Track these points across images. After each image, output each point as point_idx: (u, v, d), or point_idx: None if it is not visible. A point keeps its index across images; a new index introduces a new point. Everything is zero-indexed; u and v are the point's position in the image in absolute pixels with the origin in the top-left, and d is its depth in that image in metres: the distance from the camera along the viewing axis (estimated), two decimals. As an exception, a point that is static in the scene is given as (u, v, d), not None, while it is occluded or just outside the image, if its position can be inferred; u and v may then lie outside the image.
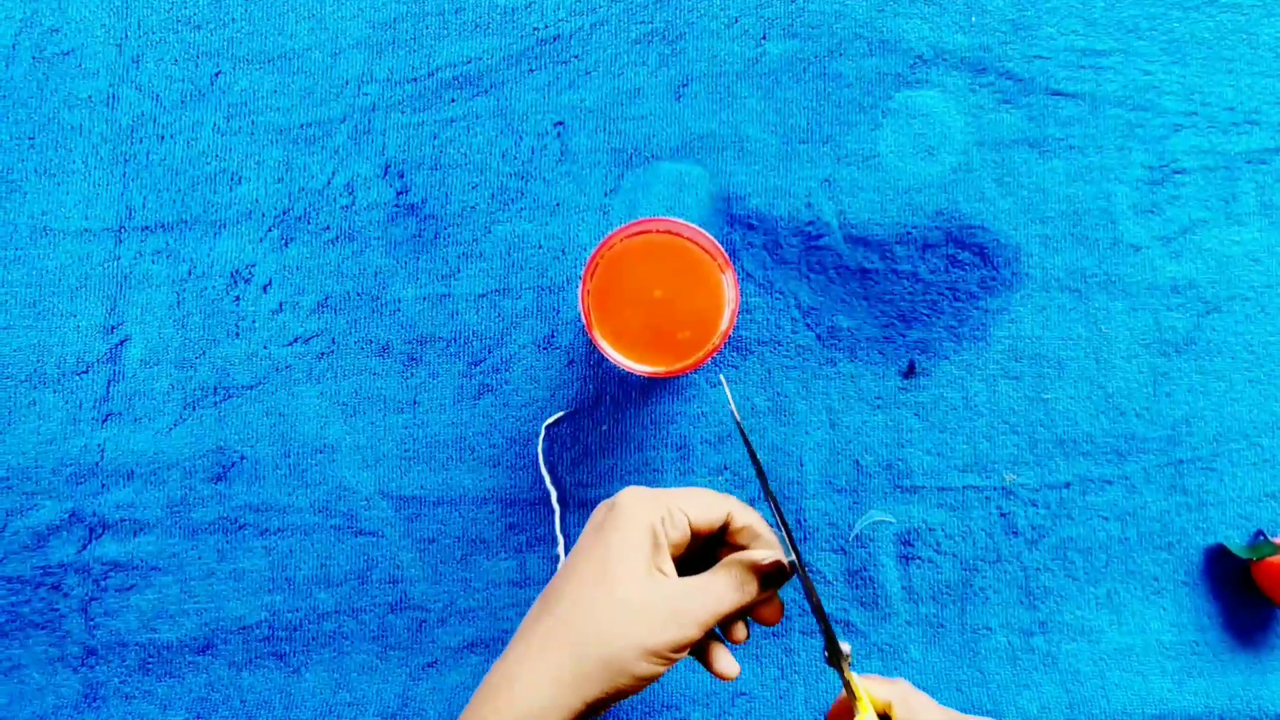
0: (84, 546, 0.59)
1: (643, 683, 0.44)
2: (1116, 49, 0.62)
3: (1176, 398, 0.62)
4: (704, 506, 0.47)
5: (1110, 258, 0.62)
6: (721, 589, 0.45)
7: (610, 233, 0.51)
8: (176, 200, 0.61)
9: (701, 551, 0.49)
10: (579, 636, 0.43)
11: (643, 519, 0.45)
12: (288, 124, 0.61)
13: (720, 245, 0.51)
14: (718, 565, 0.46)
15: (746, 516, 0.48)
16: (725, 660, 0.48)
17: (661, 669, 0.44)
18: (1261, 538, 0.61)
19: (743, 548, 0.48)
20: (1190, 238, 0.62)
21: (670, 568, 0.45)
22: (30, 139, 0.61)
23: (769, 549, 0.47)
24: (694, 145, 0.62)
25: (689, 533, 0.47)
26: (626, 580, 0.44)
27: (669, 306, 0.53)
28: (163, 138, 0.61)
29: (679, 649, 0.44)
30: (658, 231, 0.52)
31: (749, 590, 0.46)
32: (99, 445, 0.60)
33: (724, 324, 0.52)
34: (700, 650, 0.48)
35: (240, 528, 0.60)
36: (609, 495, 0.61)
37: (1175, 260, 0.62)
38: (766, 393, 0.61)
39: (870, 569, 0.61)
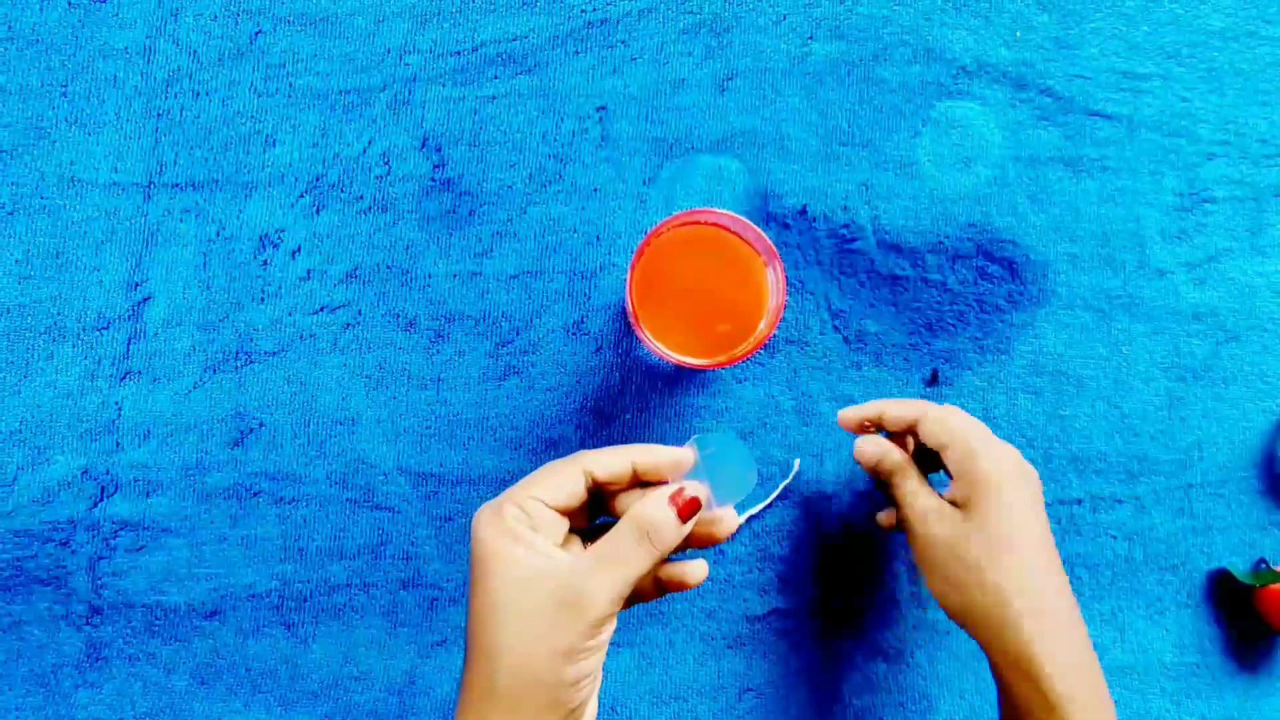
0: (95, 504, 0.59)
1: (584, 681, 0.41)
2: (1156, 74, 0.63)
3: (1190, 422, 0.63)
4: (555, 484, 0.43)
5: (1135, 280, 0.63)
6: (624, 551, 0.42)
7: (660, 221, 0.51)
8: (208, 159, 0.60)
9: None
10: (498, 668, 0.40)
11: (494, 533, 0.41)
12: (326, 89, 0.61)
13: (770, 242, 0.51)
14: (616, 529, 0.43)
15: (649, 456, 0.44)
16: (684, 571, 0.45)
17: (595, 658, 0.41)
18: (1264, 565, 0.62)
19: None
20: (1215, 266, 0.63)
21: (550, 548, 0.41)
22: (63, 87, 0.60)
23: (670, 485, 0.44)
24: (734, 140, 0.61)
25: (565, 515, 0.43)
26: (506, 593, 0.40)
27: (711, 299, 0.53)
28: (198, 94, 0.60)
29: (595, 631, 0.41)
30: (706, 223, 0.52)
31: (662, 538, 0.42)
32: (116, 403, 0.59)
33: (764, 322, 0.52)
34: (657, 586, 0.45)
35: (255, 495, 0.59)
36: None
37: (1199, 287, 0.63)
38: (792, 392, 0.61)
39: (880, 573, 0.61)
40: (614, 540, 0.42)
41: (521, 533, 0.41)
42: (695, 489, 0.44)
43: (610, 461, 0.44)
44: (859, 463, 0.55)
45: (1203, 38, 0.63)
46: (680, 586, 0.45)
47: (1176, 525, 0.62)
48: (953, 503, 0.51)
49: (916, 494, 0.52)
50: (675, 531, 0.43)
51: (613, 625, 0.42)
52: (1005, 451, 0.50)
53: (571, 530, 0.45)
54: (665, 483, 0.44)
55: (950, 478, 0.51)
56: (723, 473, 0.45)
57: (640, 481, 0.45)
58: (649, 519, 0.42)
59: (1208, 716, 0.62)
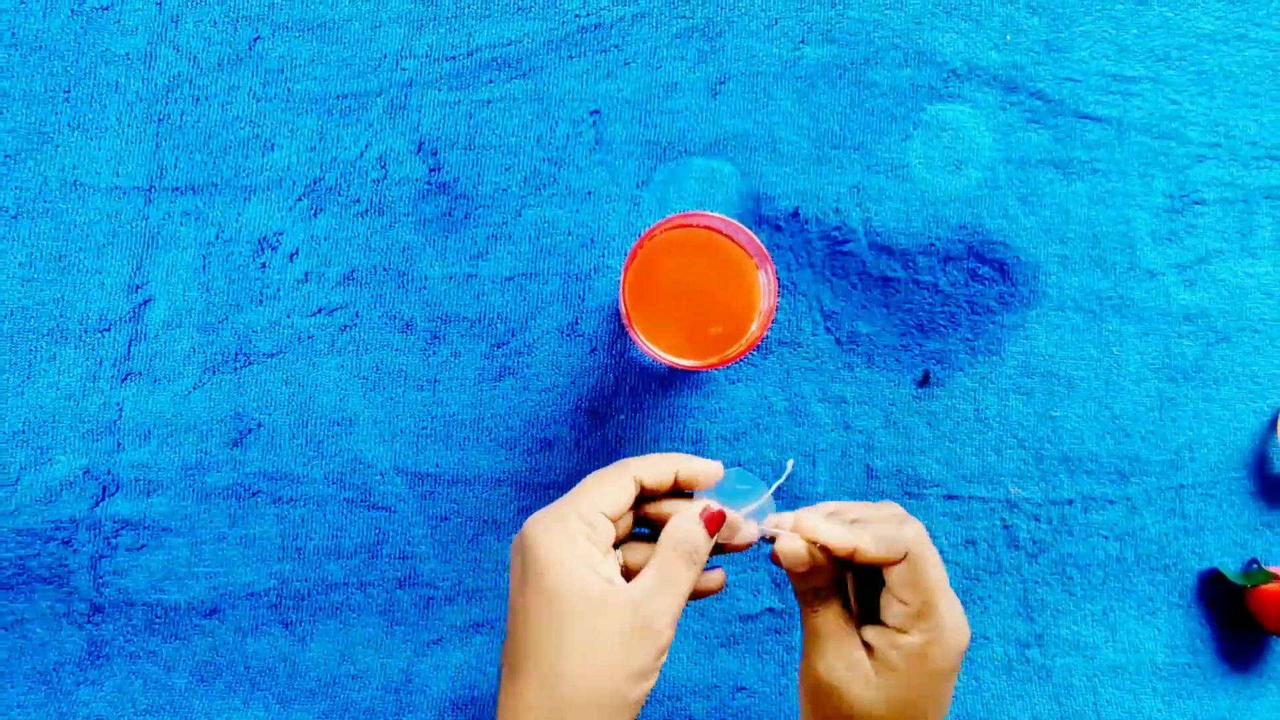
0: (96, 503, 0.59)
1: (645, 698, 0.42)
2: (1146, 76, 0.64)
3: (1181, 423, 0.63)
4: (611, 494, 0.44)
5: (1126, 282, 0.63)
6: (674, 573, 0.43)
7: (654, 224, 0.52)
8: (208, 163, 0.61)
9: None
10: (565, 693, 0.40)
11: (558, 545, 0.42)
12: (323, 93, 0.61)
13: (761, 244, 0.52)
14: (656, 551, 0.44)
15: (689, 466, 0.46)
16: (707, 578, 0.47)
17: (656, 675, 0.42)
18: (1256, 565, 0.62)
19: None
20: (1205, 267, 0.63)
21: (618, 575, 0.43)
22: (65, 92, 0.60)
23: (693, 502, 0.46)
24: (727, 143, 0.62)
25: (615, 524, 0.44)
26: (574, 613, 0.41)
27: (704, 301, 0.53)
28: (198, 99, 0.61)
29: (663, 653, 0.42)
30: (698, 226, 0.53)
31: (699, 557, 0.44)
32: (117, 404, 0.60)
33: (756, 322, 0.53)
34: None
35: (253, 494, 0.60)
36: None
37: (1189, 289, 0.63)
38: (784, 393, 0.62)
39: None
40: (664, 564, 0.44)
41: (586, 548, 0.42)
42: (718, 505, 0.46)
43: (657, 470, 0.46)
44: (779, 561, 0.47)
45: (1192, 40, 0.64)
46: (704, 594, 0.47)
47: (1168, 526, 0.63)
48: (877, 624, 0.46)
49: (844, 638, 0.46)
50: (708, 545, 0.45)
51: (665, 657, 0.44)
52: (964, 635, 0.45)
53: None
54: (692, 492, 0.47)
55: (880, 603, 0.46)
56: (740, 491, 0.48)
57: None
58: (689, 539, 0.44)
59: (1199, 717, 0.62)
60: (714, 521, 0.45)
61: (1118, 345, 0.63)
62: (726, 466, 0.48)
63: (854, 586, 0.48)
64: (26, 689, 0.59)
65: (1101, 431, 0.63)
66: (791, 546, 0.45)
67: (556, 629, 0.41)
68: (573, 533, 0.42)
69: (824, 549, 0.45)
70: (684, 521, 0.44)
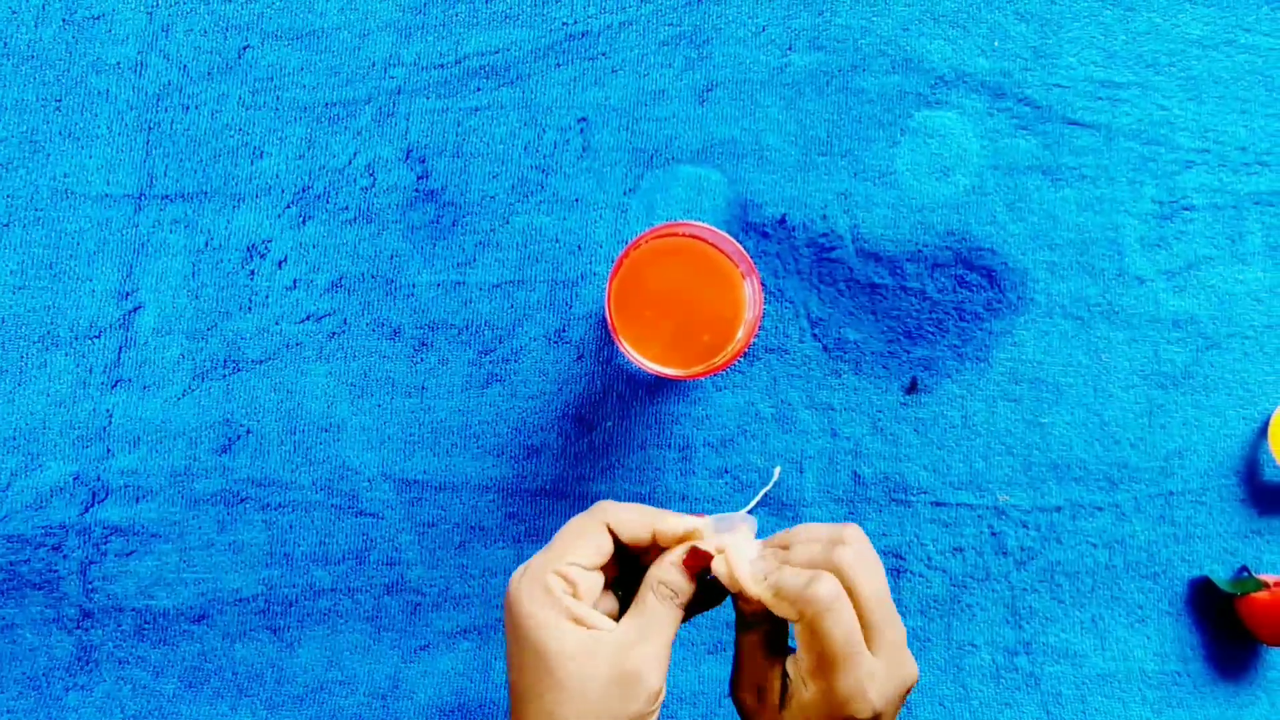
0: (86, 509, 0.60)
1: None
2: (1134, 82, 0.63)
3: (1171, 430, 0.63)
4: (588, 547, 0.44)
5: (1114, 288, 0.63)
6: (657, 618, 0.44)
7: (640, 234, 0.52)
8: (197, 171, 0.61)
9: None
10: None
11: (540, 606, 0.43)
12: (312, 102, 0.62)
13: (747, 254, 0.52)
14: (638, 595, 0.45)
15: (669, 526, 0.45)
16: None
17: (656, 711, 0.43)
18: (1246, 573, 0.62)
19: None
20: (1194, 273, 0.63)
21: (599, 619, 0.43)
22: (57, 101, 0.61)
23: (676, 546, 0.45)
24: (714, 150, 0.62)
25: (597, 573, 0.45)
26: (564, 668, 0.42)
27: (689, 310, 0.53)
28: (187, 108, 0.62)
29: (655, 698, 0.42)
30: (684, 235, 0.53)
31: (680, 599, 0.44)
32: (107, 410, 0.60)
33: (741, 331, 0.53)
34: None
35: (242, 501, 0.60)
36: (609, 492, 0.61)
37: (1178, 295, 0.63)
38: (771, 400, 0.62)
39: (861, 579, 0.62)
40: (645, 610, 0.44)
41: (567, 602, 0.43)
42: (702, 545, 0.45)
43: (632, 527, 0.45)
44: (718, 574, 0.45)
45: (1181, 46, 0.64)
46: (710, 605, 0.47)
47: (1157, 533, 0.62)
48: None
49: (758, 666, 0.45)
50: (690, 587, 0.45)
51: (664, 689, 0.44)
52: (864, 706, 0.43)
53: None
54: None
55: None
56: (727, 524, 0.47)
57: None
58: (669, 581, 0.44)
59: (1187, 724, 0.62)
60: (692, 563, 0.44)
61: (1106, 352, 0.63)
62: (731, 518, 0.47)
63: None
64: (16, 694, 0.59)
65: (1090, 438, 0.63)
66: (719, 567, 0.45)
67: (545, 684, 0.42)
68: (552, 591, 0.43)
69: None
70: (661, 566, 0.45)
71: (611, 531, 0.45)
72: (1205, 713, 0.62)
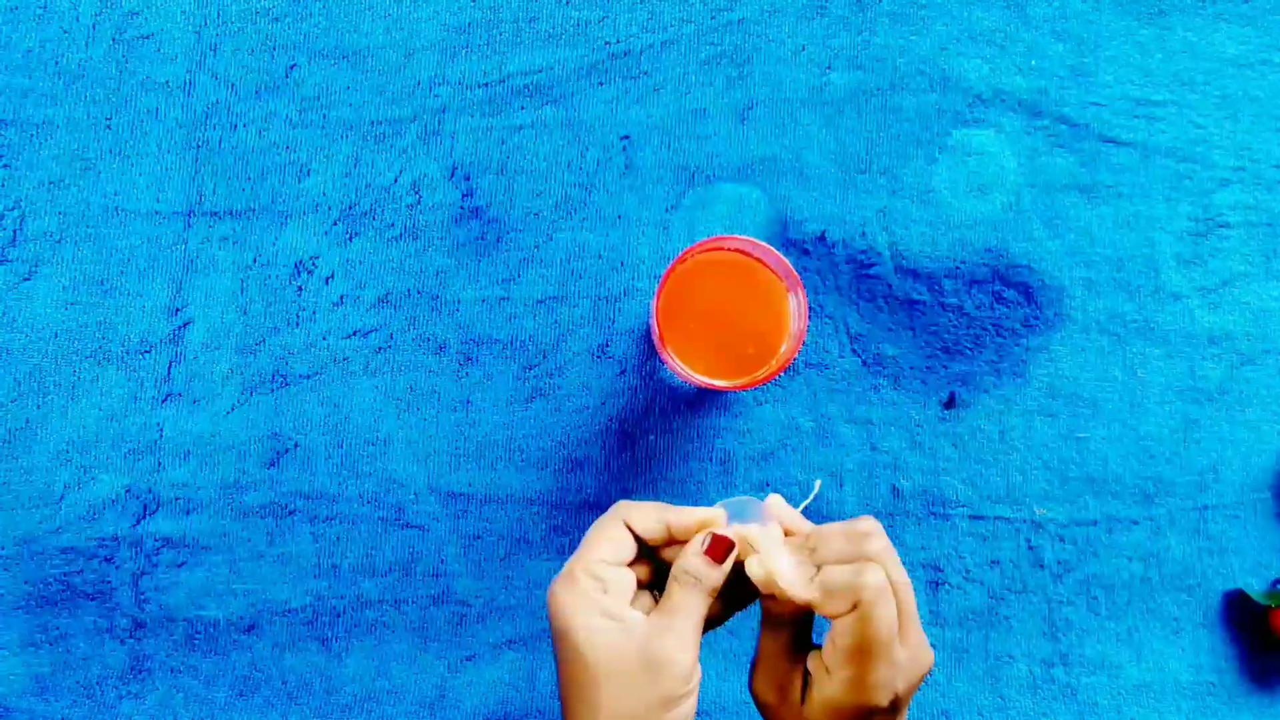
0: (138, 521, 0.61)
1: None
2: (1171, 100, 0.64)
3: (1206, 445, 0.64)
4: (610, 544, 0.46)
5: (1150, 305, 0.64)
6: (681, 603, 0.45)
7: (687, 247, 0.53)
8: (245, 188, 0.62)
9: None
10: None
11: (572, 602, 0.45)
12: (358, 120, 0.63)
13: (792, 267, 0.53)
14: (667, 586, 0.46)
15: (682, 518, 0.47)
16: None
17: (691, 700, 0.45)
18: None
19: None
20: (1230, 290, 0.64)
21: (629, 613, 0.45)
22: (107, 120, 0.62)
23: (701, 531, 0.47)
24: (755, 168, 0.63)
25: (626, 567, 0.47)
26: (596, 657, 0.44)
27: (734, 323, 0.54)
28: (235, 126, 0.62)
29: (686, 680, 0.44)
30: (730, 249, 0.54)
31: (706, 585, 0.46)
32: (158, 424, 0.61)
33: (785, 344, 0.54)
34: (723, 609, 0.48)
35: (290, 513, 0.61)
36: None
37: (1213, 311, 0.64)
38: (811, 414, 0.63)
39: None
40: (670, 598, 0.46)
41: (598, 599, 0.45)
42: (720, 531, 0.47)
43: (647, 522, 0.47)
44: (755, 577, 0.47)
45: (1216, 65, 0.64)
46: (747, 601, 0.49)
47: (1192, 546, 0.63)
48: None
49: (781, 663, 0.47)
50: (717, 572, 0.46)
51: (699, 670, 0.45)
52: (882, 695, 0.44)
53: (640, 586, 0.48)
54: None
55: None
56: (744, 516, 0.49)
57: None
58: (690, 568, 0.46)
59: (1223, 735, 0.63)
60: (716, 549, 0.46)
61: (1142, 368, 0.64)
62: (751, 491, 0.49)
63: None
64: (71, 702, 0.60)
65: (1126, 453, 0.63)
66: (754, 572, 0.46)
67: (584, 677, 0.44)
68: (583, 589, 0.45)
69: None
70: (683, 556, 0.47)
71: (631, 529, 0.47)
72: (1240, 724, 0.63)
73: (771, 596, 0.46)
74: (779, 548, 0.46)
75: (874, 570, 0.43)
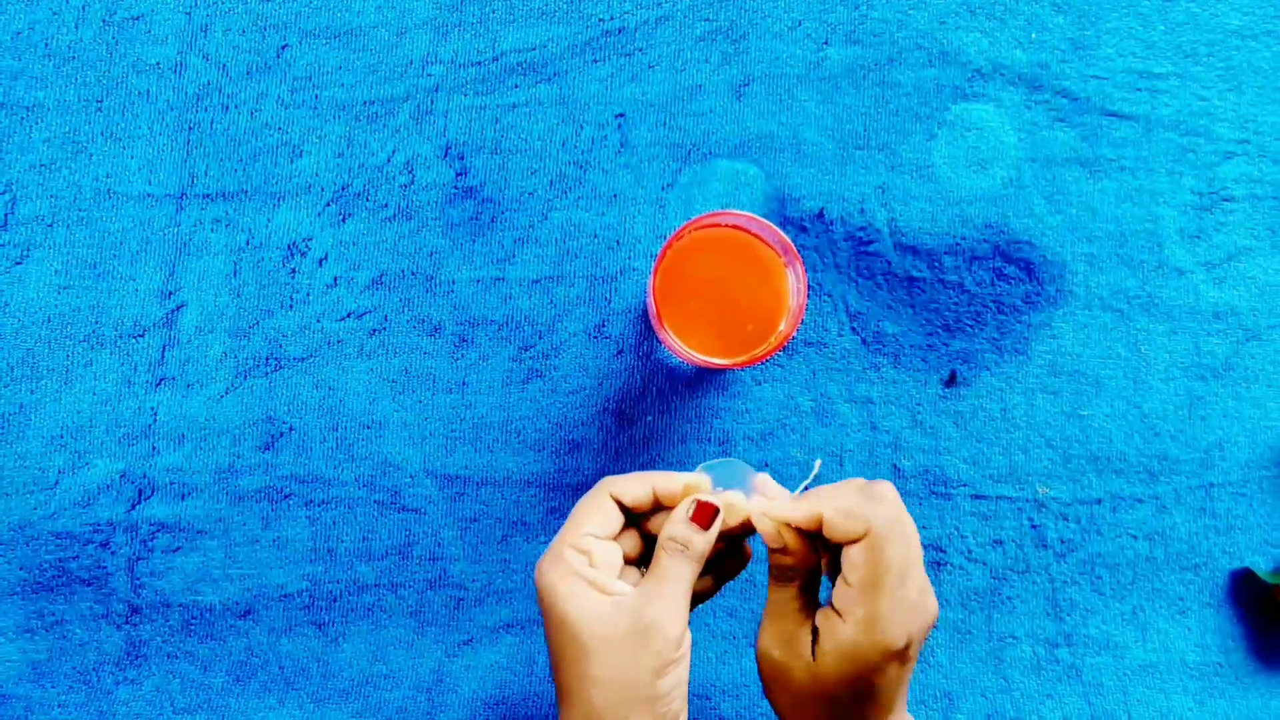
0: (133, 506, 0.60)
1: (675, 690, 0.45)
2: (1173, 73, 0.63)
3: (1211, 422, 0.63)
4: (596, 517, 0.47)
5: (1154, 280, 0.63)
6: (669, 570, 0.46)
7: (683, 224, 0.52)
8: (238, 170, 0.62)
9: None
10: (596, 699, 0.44)
11: (559, 577, 0.45)
12: (351, 100, 0.62)
13: (790, 242, 0.52)
14: (654, 555, 0.47)
15: (668, 483, 0.48)
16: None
17: (682, 667, 0.45)
18: (1287, 563, 0.62)
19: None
20: (1234, 265, 0.63)
21: (617, 584, 0.46)
22: (98, 102, 0.61)
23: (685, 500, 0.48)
24: (752, 145, 0.62)
25: (613, 541, 0.47)
26: (586, 629, 0.44)
27: (732, 300, 0.54)
28: (227, 107, 0.62)
29: (675, 647, 0.45)
30: (727, 225, 0.53)
31: (695, 548, 0.46)
32: (152, 408, 0.61)
33: (785, 322, 0.53)
34: (714, 582, 0.50)
35: (285, 497, 0.61)
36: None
37: (1218, 286, 0.63)
38: (811, 393, 0.62)
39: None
40: (658, 566, 0.47)
41: (585, 572, 0.46)
42: (705, 498, 0.47)
43: (633, 489, 0.48)
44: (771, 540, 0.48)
45: (1220, 36, 0.63)
46: (735, 571, 0.50)
47: (1198, 525, 0.62)
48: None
49: (791, 620, 0.48)
50: (704, 538, 0.47)
51: (689, 635, 0.46)
52: (896, 632, 0.45)
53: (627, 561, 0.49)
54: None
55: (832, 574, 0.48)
56: (728, 480, 0.49)
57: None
58: (677, 535, 0.47)
59: (1231, 716, 0.62)
60: (701, 515, 0.47)
61: (1146, 344, 0.63)
62: (715, 461, 0.50)
63: (828, 568, 0.49)
64: (67, 688, 0.60)
65: (1130, 430, 0.62)
66: (763, 524, 0.47)
67: (574, 649, 0.45)
68: (569, 563, 0.46)
69: (796, 529, 0.47)
70: (671, 524, 0.47)
71: (618, 501, 0.48)
72: (1247, 703, 0.62)
73: (779, 551, 0.47)
74: (775, 490, 0.48)
75: (888, 498, 0.45)
